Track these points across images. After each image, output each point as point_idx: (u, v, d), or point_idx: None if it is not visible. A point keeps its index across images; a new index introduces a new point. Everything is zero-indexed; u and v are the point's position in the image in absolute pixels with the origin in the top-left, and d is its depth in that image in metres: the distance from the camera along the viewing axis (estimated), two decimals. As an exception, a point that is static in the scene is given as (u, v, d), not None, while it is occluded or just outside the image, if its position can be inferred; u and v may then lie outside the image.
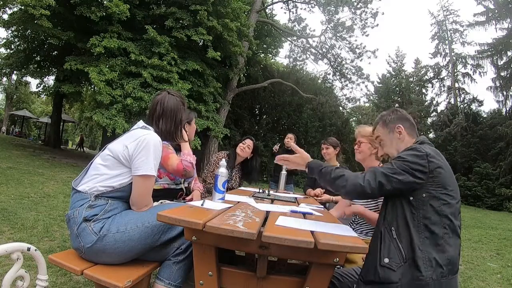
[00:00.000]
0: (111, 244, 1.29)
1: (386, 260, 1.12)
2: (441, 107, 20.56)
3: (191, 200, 2.08)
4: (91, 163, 1.45)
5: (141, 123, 1.54)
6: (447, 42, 20.68)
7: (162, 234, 1.37)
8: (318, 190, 2.96)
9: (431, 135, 20.20)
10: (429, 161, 1.16)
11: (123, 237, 1.30)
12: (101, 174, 1.38)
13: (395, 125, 1.40)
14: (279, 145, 4.75)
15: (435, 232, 1.11)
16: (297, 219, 1.35)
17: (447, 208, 1.15)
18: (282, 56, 45.72)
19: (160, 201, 1.74)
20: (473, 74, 19.57)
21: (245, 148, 2.95)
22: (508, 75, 17.66)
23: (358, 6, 15.47)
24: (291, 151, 4.80)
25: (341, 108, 20.22)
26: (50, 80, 15.19)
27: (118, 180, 1.38)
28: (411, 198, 1.16)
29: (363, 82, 17.96)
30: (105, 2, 9.14)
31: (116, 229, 1.31)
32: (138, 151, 1.36)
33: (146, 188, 1.40)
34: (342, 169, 1.29)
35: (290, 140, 4.54)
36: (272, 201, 2.14)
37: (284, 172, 3.39)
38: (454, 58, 20.26)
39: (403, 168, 1.16)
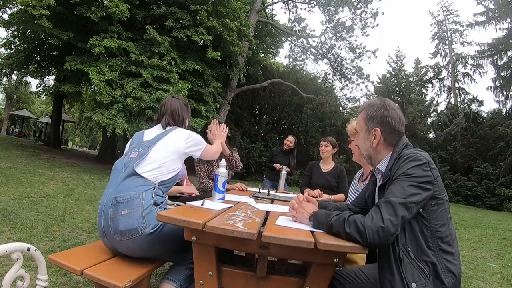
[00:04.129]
0: (168, 232, 1.39)
1: (414, 285, 1.03)
2: (441, 107, 20.54)
3: (191, 194, 2.17)
4: (148, 153, 1.54)
5: (165, 126, 1.74)
6: (447, 42, 20.66)
7: None
8: (317, 191, 2.96)
9: (431, 135, 20.21)
10: (431, 168, 1.09)
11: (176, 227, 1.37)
12: (165, 166, 1.54)
13: (374, 126, 1.23)
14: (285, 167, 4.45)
15: (445, 238, 1.08)
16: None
17: (449, 210, 1.13)
18: (282, 56, 45.82)
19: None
20: (473, 74, 19.55)
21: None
22: (508, 75, 17.65)
23: (358, 6, 15.50)
24: (289, 153, 4.82)
25: (341, 108, 20.21)
26: (50, 80, 15.23)
27: (173, 173, 1.59)
28: (421, 210, 1.07)
29: (363, 82, 18.03)
30: (105, 2, 9.14)
31: None
32: (194, 145, 1.71)
33: (211, 150, 1.88)
34: (347, 213, 1.11)
35: (289, 143, 4.58)
36: (272, 201, 2.14)
37: (284, 172, 3.39)
38: (454, 58, 20.24)
39: (415, 186, 1.05)
